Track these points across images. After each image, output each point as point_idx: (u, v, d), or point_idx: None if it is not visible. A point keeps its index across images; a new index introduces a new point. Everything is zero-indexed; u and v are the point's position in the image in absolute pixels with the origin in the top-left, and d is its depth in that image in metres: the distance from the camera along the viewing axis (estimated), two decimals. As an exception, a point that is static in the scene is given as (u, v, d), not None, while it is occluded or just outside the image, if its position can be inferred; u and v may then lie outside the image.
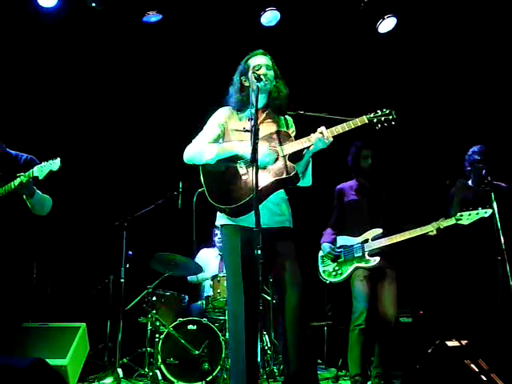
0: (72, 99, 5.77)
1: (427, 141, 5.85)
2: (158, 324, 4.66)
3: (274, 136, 3.03)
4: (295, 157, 2.98)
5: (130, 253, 4.93)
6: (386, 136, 5.35)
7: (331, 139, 2.92)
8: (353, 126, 2.94)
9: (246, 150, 2.92)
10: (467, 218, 3.84)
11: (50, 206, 3.74)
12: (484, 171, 4.28)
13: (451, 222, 3.87)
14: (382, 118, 2.96)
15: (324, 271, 4.20)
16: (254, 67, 3.04)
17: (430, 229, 3.88)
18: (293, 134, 3.09)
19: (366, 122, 2.96)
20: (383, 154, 4.31)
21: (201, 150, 3.02)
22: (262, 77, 2.98)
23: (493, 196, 3.99)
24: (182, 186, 5.05)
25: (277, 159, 2.96)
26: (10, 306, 3.58)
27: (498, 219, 3.91)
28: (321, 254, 4.28)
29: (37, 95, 5.58)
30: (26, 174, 3.42)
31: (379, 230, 4.05)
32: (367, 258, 4.02)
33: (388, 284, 4.01)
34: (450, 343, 2.47)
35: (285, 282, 2.88)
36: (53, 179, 3.52)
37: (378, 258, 3.99)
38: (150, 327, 4.70)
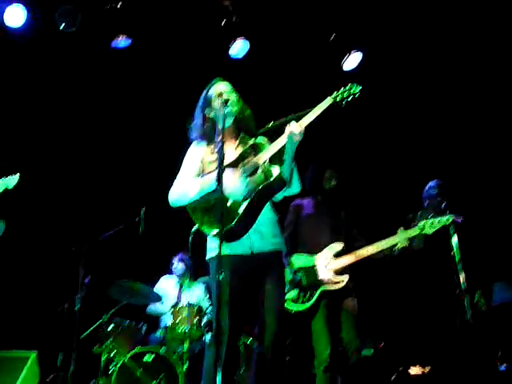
0: (37, 118, 5.67)
1: (387, 162, 6.01)
2: (113, 354, 4.49)
3: (248, 152, 2.98)
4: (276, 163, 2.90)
5: (87, 279, 4.77)
6: (345, 156, 5.59)
7: (302, 131, 2.82)
8: (320, 111, 2.84)
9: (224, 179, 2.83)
10: (430, 226, 3.74)
11: (2, 229, 3.61)
12: (443, 205, 4.35)
13: (416, 231, 3.77)
14: (345, 94, 2.87)
15: (287, 299, 3.81)
16: (217, 94, 3.01)
17: (397, 239, 3.76)
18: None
19: (331, 102, 2.86)
20: (343, 174, 4.25)
21: (184, 188, 2.96)
22: (228, 102, 2.93)
23: (451, 230, 4.05)
24: (143, 211, 4.96)
25: (256, 170, 2.88)
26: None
27: (457, 253, 3.96)
28: None
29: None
30: None
31: (340, 245, 3.84)
32: (334, 278, 3.77)
33: (352, 311, 3.82)
34: (412, 371, 2.45)
35: (267, 318, 2.86)
36: (9, 198, 3.41)
37: (346, 277, 3.76)
38: (104, 357, 4.52)
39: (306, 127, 2.84)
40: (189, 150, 3.16)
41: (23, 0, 4.95)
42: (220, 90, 3.05)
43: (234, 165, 2.95)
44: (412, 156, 5.90)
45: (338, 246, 3.85)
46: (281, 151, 2.89)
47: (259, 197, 2.85)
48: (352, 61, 5.57)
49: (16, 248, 5.17)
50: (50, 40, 5.21)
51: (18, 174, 3.36)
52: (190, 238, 3.85)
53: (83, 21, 5.05)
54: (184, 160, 3.13)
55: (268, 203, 2.98)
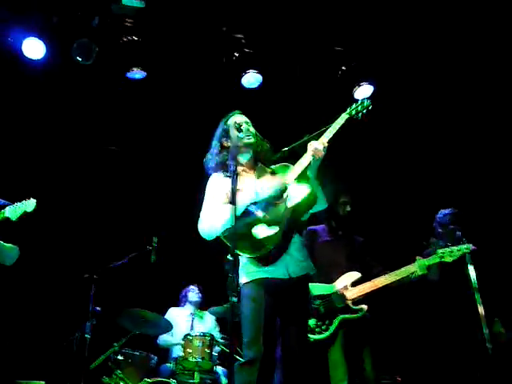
0: (53, 147, 5.75)
1: (399, 187, 6.00)
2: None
3: (272, 177, 3.05)
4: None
5: (98, 309, 4.71)
6: (358, 182, 5.60)
7: (326, 145, 2.88)
8: (338, 127, 2.94)
9: (252, 195, 2.90)
10: (449, 254, 3.70)
11: (16, 256, 3.60)
12: (459, 233, 4.28)
13: (434, 259, 3.73)
14: (359, 108, 2.98)
15: None
16: (235, 123, 3.06)
17: (415, 268, 3.71)
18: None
19: (347, 117, 2.97)
20: (356, 200, 4.27)
21: (214, 218, 2.91)
22: (243, 130, 3.01)
23: (468, 257, 3.97)
24: (156, 240, 4.94)
25: (285, 190, 2.90)
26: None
27: (475, 281, 3.86)
28: None
29: (21, 142, 5.58)
30: None
31: (357, 275, 3.81)
32: (352, 307, 3.74)
33: (370, 340, 3.78)
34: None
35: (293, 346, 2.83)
36: (21, 224, 3.42)
37: (365, 307, 3.73)
38: (113, 388, 4.43)
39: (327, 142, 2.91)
40: (210, 180, 3.13)
41: (41, 33, 5.10)
42: (239, 120, 3.10)
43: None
44: (424, 182, 5.89)
45: (355, 275, 3.82)
46: (303, 171, 2.94)
47: (293, 218, 2.87)
48: (363, 91, 5.62)
49: (27, 275, 5.15)
50: (69, 71, 5.32)
51: (34, 199, 3.38)
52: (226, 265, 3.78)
53: (99, 53, 5.19)
54: (208, 191, 3.09)
55: (312, 206, 3.00)
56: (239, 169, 2.97)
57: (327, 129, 2.94)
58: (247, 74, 5.48)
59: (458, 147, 5.85)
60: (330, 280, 3.87)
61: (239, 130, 2.96)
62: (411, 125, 5.91)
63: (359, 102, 3.00)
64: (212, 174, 3.14)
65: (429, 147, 5.95)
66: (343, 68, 5.61)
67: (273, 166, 3.14)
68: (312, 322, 3.82)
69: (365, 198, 5.47)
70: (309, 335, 3.75)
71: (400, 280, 3.80)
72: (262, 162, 3.15)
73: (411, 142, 6.00)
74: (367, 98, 3.04)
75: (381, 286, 3.76)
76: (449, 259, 3.72)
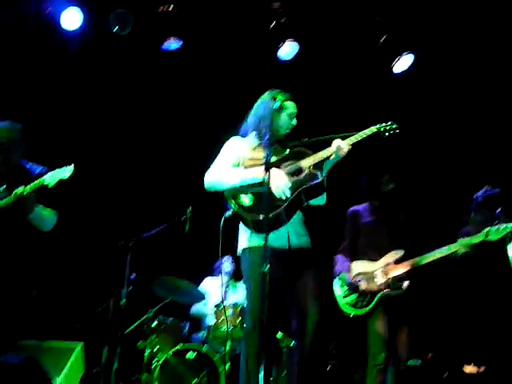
0: (89, 119, 5.83)
1: (444, 164, 5.89)
2: (156, 349, 4.51)
3: (289, 157, 3.12)
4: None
5: (133, 276, 4.82)
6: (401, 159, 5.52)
7: (349, 148, 3.01)
8: (364, 136, 3.07)
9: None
10: (495, 233, 3.59)
11: (54, 221, 3.66)
12: (498, 211, 4.18)
13: (479, 238, 3.63)
14: (387, 127, 3.11)
15: (346, 303, 3.88)
16: (289, 114, 3.17)
17: (458, 247, 3.65)
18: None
19: (375, 131, 3.09)
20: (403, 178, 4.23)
21: (223, 175, 3.06)
22: (292, 123, 3.18)
23: (508, 237, 3.85)
24: (190, 211, 4.99)
25: (299, 171, 3.01)
26: (6, 324, 3.47)
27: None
28: (338, 284, 3.96)
29: (59, 114, 5.67)
30: (32, 184, 3.36)
31: (401, 252, 3.79)
32: (393, 284, 3.74)
33: (406, 322, 3.78)
34: (466, 369, 2.32)
35: (307, 307, 2.95)
36: (61, 190, 3.48)
37: (406, 282, 3.73)
38: (147, 353, 4.54)
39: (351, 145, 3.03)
40: (229, 141, 3.24)
41: (79, 3, 5.13)
42: (293, 111, 3.20)
43: (275, 165, 3.02)
44: (468, 159, 5.73)
45: (398, 253, 3.82)
46: (320, 162, 3.06)
47: (301, 196, 2.97)
48: (403, 63, 5.48)
49: (64, 242, 5.29)
50: (105, 42, 5.35)
51: (73, 165, 3.42)
52: (222, 222, 3.86)
53: (136, 23, 5.19)
54: (223, 149, 3.22)
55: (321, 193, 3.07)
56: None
57: (353, 135, 3.07)
58: (284, 44, 5.41)
59: (503, 121, 5.65)
60: (374, 259, 3.89)
61: (290, 119, 3.14)
62: (452, 99, 5.74)
63: (389, 123, 3.13)
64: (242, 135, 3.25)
65: (472, 121, 5.76)
66: (382, 39, 5.47)
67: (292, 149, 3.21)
68: (353, 297, 3.87)
69: (408, 176, 5.39)
70: (349, 310, 3.87)
71: (442, 258, 3.73)
72: (279, 143, 3.20)
73: (452, 115, 5.82)
74: (394, 123, 3.15)
75: (422, 264, 3.73)
76: (494, 237, 3.60)
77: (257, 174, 2.96)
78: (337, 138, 3.06)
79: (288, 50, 5.43)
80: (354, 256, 3.98)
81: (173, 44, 5.42)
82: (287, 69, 5.53)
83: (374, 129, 3.10)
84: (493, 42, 5.30)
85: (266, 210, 2.71)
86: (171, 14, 5.23)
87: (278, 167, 3.03)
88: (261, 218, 2.84)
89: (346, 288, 3.92)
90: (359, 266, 3.90)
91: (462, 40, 5.37)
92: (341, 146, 2.97)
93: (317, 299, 2.98)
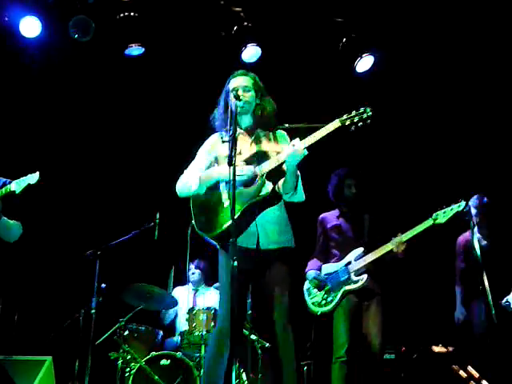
0: (52, 127, 5.74)
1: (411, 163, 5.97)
2: (129, 358, 4.43)
3: (254, 157, 3.03)
4: (278, 173, 2.94)
5: (104, 285, 4.74)
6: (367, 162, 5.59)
7: (305, 151, 2.83)
8: (325, 133, 2.83)
9: (225, 174, 2.83)
10: (443, 215, 3.75)
11: (19, 233, 3.62)
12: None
13: (429, 223, 3.79)
14: (356, 119, 2.81)
15: (313, 303, 4.06)
16: (233, 89, 3.03)
17: (390, 246, 3.83)
18: (282, 148, 3.01)
19: (339, 125, 2.83)
20: (366, 180, 4.30)
21: (187, 181, 3.05)
22: (240, 97, 2.98)
23: (472, 224, 3.91)
24: (158, 216, 4.95)
25: (255, 179, 2.94)
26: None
27: (477, 251, 3.82)
28: (306, 286, 4.15)
29: (20, 122, 5.58)
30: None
31: (360, 249, 3.97)
32: (354, 278, 3.91)
33: (375, 310, 3.91)
34: (436, 348, 2.37)
35: (273, 317, 2.90)
36: (23, 200, 3.43)
37: (365, 276, 3.87)
38: (120, 362, 4.46)
39: (309, 146, 2.85)
40: (206, 141, 3.20)
41: (38, 11, 5.05)
42: (237, 84, 3.10)
43: (248, 162, 2.99)
44: (433, 157, 5.85)
45: (359, 250, 3.98)
46: (279, 165, 2.93)
47: (251, 208, 2.92)
48: (364, 63, 5.56)
49: (30, 253, 5.17)
50: (66, 49, 5.28)
51: (38, 172, 3.40)
52: (189, 230, 3.85)
53: (97, 30, 5.13)
54: (199, 150, 3.18)
55: (278, 201, 3.02)
56: (238, 131, 2.98)
57: (319, 128, 2.85)
58: (247, 48, 5.42)
59: (463, 122, 5.79)
60: (339, 260, 4.07)
61: (236, 96, 2.92)
62: (415, 100, 5.84)
63: (359, 111, 2.85)
64: (216, 132, 3.21)
65: (435, 121, 5.88)
66: (344, 40, 5.54)
67: (277, 132, 3.16)
68: (319, 296, 4.05)
69: (374, 177, 5.47)
70: (316, 309, 4.04)
71: (389, 253, 3.88)
72: (262, 127, 3.14)
73: (417, 116, 5.94)
74: (370, 108, 2.85)
75: (379, 255, 3.88)
76: (442, 220, 3.75)
77: (212, 173, 3.00)
78: (308, 128, 2.89)
79: (251, 53, 5.45)
80: (326, 260, 4.16)
81: (135, 50, 5.37)
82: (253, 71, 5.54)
83: (337, 122, 2.83)
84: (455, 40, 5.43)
85: (231, 214, 2.63)
86: (132, 20, 5.19)
87: (251, 164, 2.96)
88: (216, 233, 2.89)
89: (313, 287, 4.10)
90: (326, 269, 4.09)
91: (424, 40, 5.49)
92: (294, 152, 2.81)
93: (282, 304, 2.90)
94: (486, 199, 4.58)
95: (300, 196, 3.03)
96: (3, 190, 3.34)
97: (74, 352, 4.59)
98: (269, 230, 2.98)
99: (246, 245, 2.92)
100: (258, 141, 3.10)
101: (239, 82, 3.13)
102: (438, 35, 5.40)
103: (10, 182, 3.50)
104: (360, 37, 5.48)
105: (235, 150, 2.68)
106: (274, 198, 2.97)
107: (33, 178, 3.34)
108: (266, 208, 2.98)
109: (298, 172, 2.95)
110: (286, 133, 3.19)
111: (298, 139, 2.86)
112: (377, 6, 5.35)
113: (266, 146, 3.06)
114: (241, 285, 2.78)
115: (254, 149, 3.05)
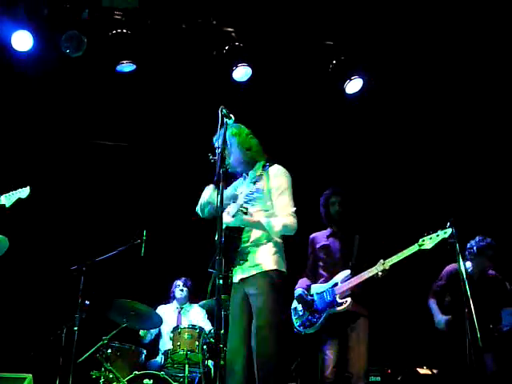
0: (41, 142, 5.73)
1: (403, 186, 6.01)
2: (111, 377, 4.34)
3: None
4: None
5: (87, 302, 4.67)
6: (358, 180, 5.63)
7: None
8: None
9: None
10: (429, 241, 3.73)
11: (4, 248, 3.59)
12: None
13: (414, 248, 3.78)
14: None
15: (297, 324, 4.05)
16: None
17: (375, 271, 3.80)
18: (274, 184, 3.17)
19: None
20: (354, 198, 4.31)
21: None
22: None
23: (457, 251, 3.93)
24: (145, 234, 4.91)
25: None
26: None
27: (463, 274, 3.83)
28: (293, 306, 4.13)
29: (11, 135, 5.58)
30: None
31: (347, 272, 3.96)
32: (339, 300, 3.88)
33: (360, 333, 3.89)
34: (421, 370, 2.36)
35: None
36: (7, 217, 3.41)
37: (349, 300, 3.84)
38: (102, 381, 4.37)
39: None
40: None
41: (30, 26, 5.06)
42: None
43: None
44: (416, 178, 5.92)
45: (345, 272, 3.97)
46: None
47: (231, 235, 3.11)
48: (354, 85, 5.61)
49: (15, 267, 5.10)
50: (57, 64, 5.28)
51: (28, 186, 3.40)
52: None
53: (89, 46, 5.15)
54: None
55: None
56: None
57: None
58: (238, 68, 5.47)
59: (450, 143, 5.87)
60: (327, 281, 4.07)
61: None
62: (403, 120, 5.91)
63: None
64: None
65: (425, 144, 5.96)
66: (334, 62, 5.60)
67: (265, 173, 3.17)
68: (305, 316, 4.04)
69: (364, 195, 5.50)
70: (302, 329, 4.03)
71: (373, 276, 3.87)
72: (252, 166, 3.23)
73: (403, 137, 6.01)
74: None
75: (363, 279, 3.86)
76: (429, 246, 3.74)
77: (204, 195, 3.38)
78: None
79: (242, 72, 5.49)
80: (315, 280, 4.17)
81: (126, 67, 5.39)
82: (243, 90, 5.59)
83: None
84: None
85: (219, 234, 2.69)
86: (125, 37, 5.22)
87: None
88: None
89: (299, 307, 4.08)
90: (314, 289, 4.08)
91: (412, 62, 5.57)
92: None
93: (257, 331, 3.00)
94: (490, 240, 4.59)
95: (272, 233, 3.15)
96: None
97: (55, 370, 4.50)
98: (248, 259, 3.16)
99: (234, 279, 3.22)
100: (248, 180, 3.16)
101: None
102: (427, 57, 5.49)
103: None
104: (349, 59, 5.55)
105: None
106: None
107: (23, 191, 3.34)
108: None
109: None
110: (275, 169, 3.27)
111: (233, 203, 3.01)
112: (366, 29, 5.43)
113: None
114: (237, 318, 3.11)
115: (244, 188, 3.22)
